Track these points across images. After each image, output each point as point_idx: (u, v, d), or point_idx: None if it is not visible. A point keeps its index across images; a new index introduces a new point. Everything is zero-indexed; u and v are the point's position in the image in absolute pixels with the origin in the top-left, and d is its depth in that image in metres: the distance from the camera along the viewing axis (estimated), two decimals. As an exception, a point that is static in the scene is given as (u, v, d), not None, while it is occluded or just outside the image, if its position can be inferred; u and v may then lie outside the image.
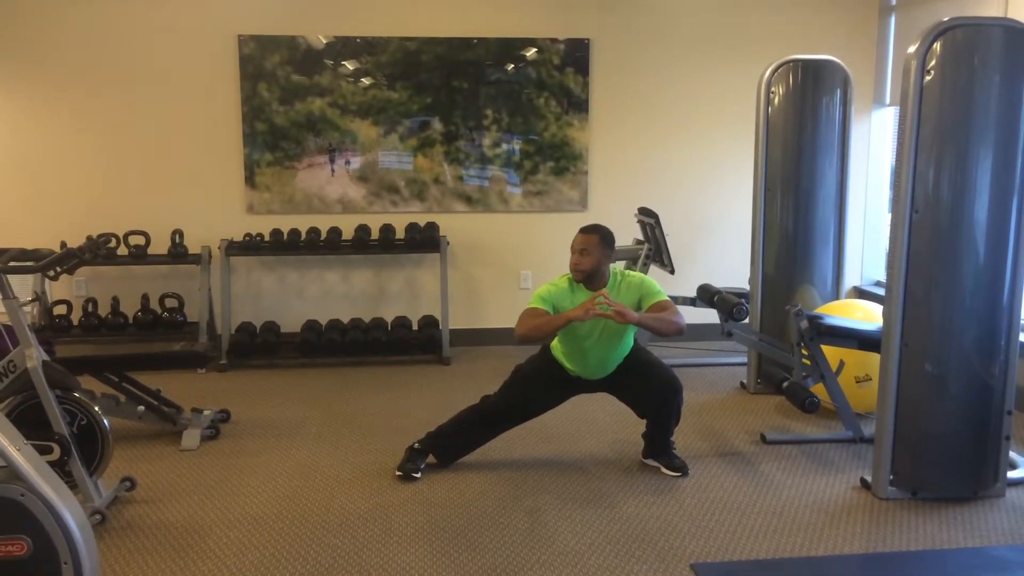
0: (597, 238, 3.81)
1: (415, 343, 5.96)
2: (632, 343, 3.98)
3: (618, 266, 4.30)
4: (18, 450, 2.50)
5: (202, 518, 3.49)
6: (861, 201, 6.32)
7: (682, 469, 3.92)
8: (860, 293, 6.28)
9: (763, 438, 4.34)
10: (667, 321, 3.72)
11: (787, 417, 4.72)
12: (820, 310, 4.62)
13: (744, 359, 5.42)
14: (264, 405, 5.01)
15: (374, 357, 5.94)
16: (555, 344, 3.98)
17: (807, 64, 5.04)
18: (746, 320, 4.66)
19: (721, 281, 5.56)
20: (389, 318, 6.15)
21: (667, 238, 5.64)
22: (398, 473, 3.87)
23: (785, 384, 4.22)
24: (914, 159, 3.41)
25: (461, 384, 5.44)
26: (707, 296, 4.71)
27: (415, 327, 6.10)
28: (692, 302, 5.53)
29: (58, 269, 3.55)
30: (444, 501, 3.64)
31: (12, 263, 3.43)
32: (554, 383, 4.01)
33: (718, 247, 6.43)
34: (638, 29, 6.23)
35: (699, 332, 6.17)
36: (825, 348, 4.24)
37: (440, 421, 4.06)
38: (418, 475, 3.87)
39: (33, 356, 3.40)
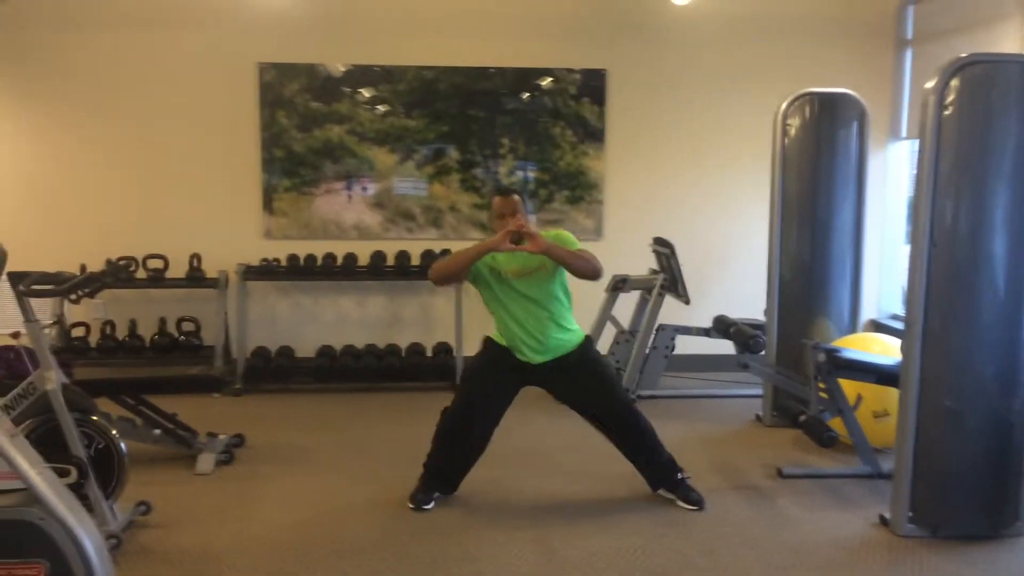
0: (518, 197, 3.84)
1: (429, 369, 5.96)
2: (579, 335, 3.92)
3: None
4: (38, 473, 2.51)
5: (216, 543, 3.49)
6: (878, 233, 6.31)
7: (699, 503, 3.88)
8: (877, 326, 6.25)
9: (779, 472, 4.31)
10: (581, 257, 3.74)
11: (804, 451, 4.68)
12: (837, 343, 4.60)
13: (759, 391, 5.39)
14: (278, 430, 5.01)
15: (388, 383, 5.94)
16: (496, 322, 3.91)
17: (823, 97, 5.06)
18: (762, 352, 4.64)
19: (736, 312, 5.55)
20: (403, 344, 6.16)
21: (682, 268, 5.64)
22: (410, 505, 3.85)
23: (802, 418, 4.20)
24: (932, 193, 3.41)
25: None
26: (723, 327, 4.70)
27: (429, 353, 6.11)
28: (707, 333, 5.54)
29: (80, 293, 3.58)
30: (455, 530, 3.63)
31: (35, 286, 3.46)
32: (501, 370, 3.90)
33: (733, 278, 6.42)
34: (655, 60, 6.28)
35: (714, 363, 6.18)
36: (842, 382, 4.22)
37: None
38: (429, 506, 3.86)
39: (52, 379, 3.42)
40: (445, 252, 6.11)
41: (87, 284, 3.60)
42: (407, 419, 5.28)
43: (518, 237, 3.63)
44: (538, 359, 3.86)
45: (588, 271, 3.77)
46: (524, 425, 5.12)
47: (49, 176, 6.00)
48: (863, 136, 5.10)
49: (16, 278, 3.41)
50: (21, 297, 3.42)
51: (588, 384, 3.93)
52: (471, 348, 6.16)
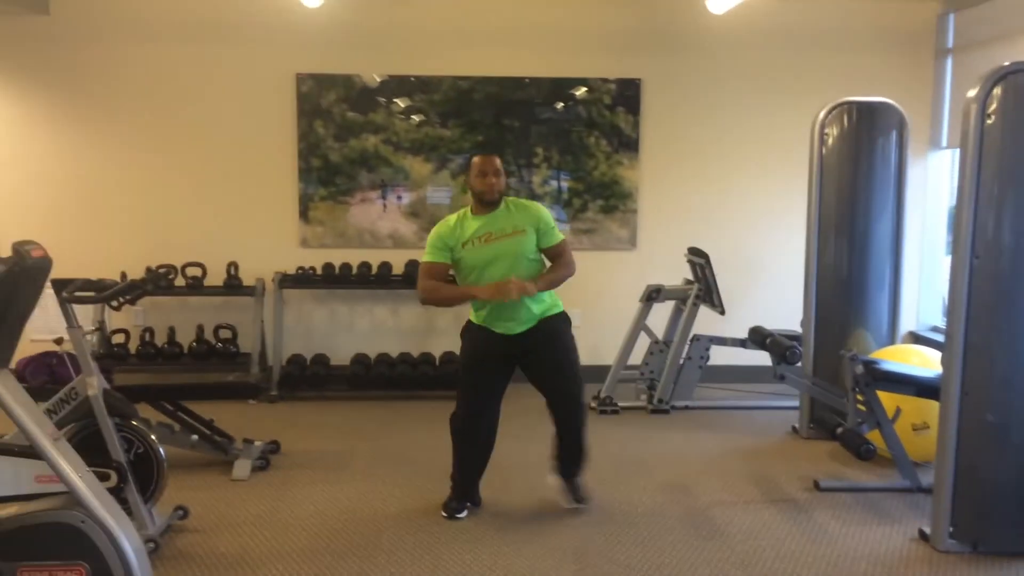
0: (500, 159, 3.81)
1: (462, 379, 5.96)
2: (559, 305, 3.89)
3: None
4: (80, 477, 2.55)
5: (252, 549, 3.52)
6: (917, 244, 6.22)
7: (582, 501, 3.92)
8: (916, 338, 6.15)
9: (816, 485, 4.25)
10: (563, 277, 3.82)
11: (841, 464, 4.62)
12: (875, 355, 4.54)
13: (796, 403, 5.33)
14: (313, 437, 5.05)
15: (422, 391, 5.96)
16: (474, 303, 3.86)
17: (862, 106, 5.00)
18: (799, 363, 4.59)
19: (772, 323, 5.49)
20: (437, 353, 6.19)
21: (717, 278, 5.61)
22: (443, 514, 3.86)
23: (839, 430, 4.15)
24: (975, 204, 3.35)
25: (506, 421, 5.36)
26: (759, 338, 4.66)
27: (462, 363, 6.11)
28: (743, 344, 5.49)
29: (121, 300, 3.64)
30: (489, 540, 3.63)
31: (77, 293, 3.52)
32: (489, 357, 3.84)
33: (769, 289, 6.36)
34: (690, 70, 6.26)
35: (750, 374, 6.12)
36: (881, 394, 4.16)
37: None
38: (462, 515, 3.86)
39: (94, 384, 3.48)
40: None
41: (128, 291, 3.66)
42: (441, 427, 5.24)
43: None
44: (516, 329, 3.79)
45: (566, 279, 3.86)
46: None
47: (92, 185, 6.12)
48: (903, 145, 5.03)
49: (60, 285, 3.48)
50: (64, 304, 3.49)
51: (554, 357, 3.87)
52: (504, 357, 6.18)
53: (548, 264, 3.90)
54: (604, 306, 6.36)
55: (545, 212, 3.86)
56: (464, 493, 3.94)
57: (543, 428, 5.21)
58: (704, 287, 5.65)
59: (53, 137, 6.09)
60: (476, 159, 3.79)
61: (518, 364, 3.90)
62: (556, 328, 3.88)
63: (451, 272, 3.88)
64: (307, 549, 3.52)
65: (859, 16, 6.22)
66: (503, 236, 3.74)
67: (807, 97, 5.88)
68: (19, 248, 2.49)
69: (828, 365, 4.91)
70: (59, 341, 3.91)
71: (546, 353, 3.86)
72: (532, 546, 3.56)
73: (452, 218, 3.83)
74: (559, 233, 3.86)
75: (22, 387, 2.64)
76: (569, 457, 4.00)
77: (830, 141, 5.00)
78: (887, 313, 5.08)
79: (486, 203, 3.77)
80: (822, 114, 5.00)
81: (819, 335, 5.03)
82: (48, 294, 3.08)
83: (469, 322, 3.94)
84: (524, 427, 5.22)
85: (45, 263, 2.62)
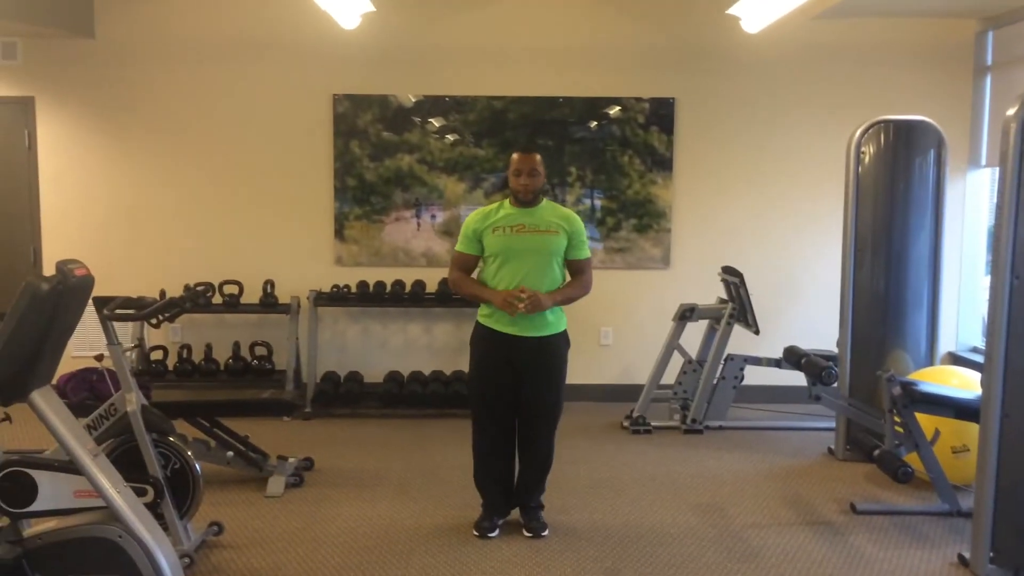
0: (540, 157, 3.79)
1: (495, 397, 5.96)
2: (564, 322, 3.86)
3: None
4: (119, 492, 2.60)
5: (285, 567, 3.54)
6: (956, 264, 6.13)
7: (536, 531, 3.85)
8: (955, 359, 6.05)
9: (853, 508, 4.19)
10: (578, 296, 3.84)
11: (878, 486, 4.55)
12: (914, 376, 4.47)
13: (831, 424, 5.26)
14: (347, 454, 5.08)
15: (454, 409, 5.97)
16: (481, 309, 3.87)
17: (899, 124, 4.96)
18: (835, 384, 4.54)
19: (806, 343, 5.43)
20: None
21: (751, 298, 5.56)
22: (475, 533, 3.85)
23: (877, 452, 4.09)
24: (1014, 223, 3.30)
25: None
26: (794, 359, 4.61)
27: (495, 381, 6.11)
28: (777, 364, 5.45)
29: (160, 317, 3.70)
30: (522, 559, 3.62)
31: (118, 311, 3.59)
32: (496, 366, 3.80)
33: (803, 308, 6.30)
34: (725, 88, 6.25)
35: (785, 395, 6.06)
36: (919, 416, 4.10)
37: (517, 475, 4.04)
38: (494, 533, 3.85)
39: (133, 400, 3.54)
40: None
41: (167, 309, 3.72)
42: (469, 446, 5.28)
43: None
44: (524, 333, 3.74)
45: (582, 297, 3.88)
46: (595, 454, 5.11)
47: (133, 204, 6.24)
48: (941, 164, 4.98)
49: (101, 303, 3.55)
50: (105, 321, 3.55)
51: (547, 377, 3.83)
52: (537, 376, 6.17)
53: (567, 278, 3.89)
54: (637, 325, 6.35)
55: (581, 225, 3.87)
56: (493, 511, 3.92)
57: (583, 446, 5.21)
58: (738, 306, 5.62)
59: (95, 157, 6.23)
60: (515, 156, 3.80)
61: (523, 374, 3.82)
62: (558, 348, 3.87)
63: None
64: (340, 566, 3.54)
65: (896, 33, 6.17)
66: (536, 231, 3.74)
67: (843, 115, 5.85)
68: (63, 267, 2.55)
69: (864, 386, 4.86)
70: (100, 358, 3.99)
71: (540, 370, 3.83)
72: (564, 567, 3.55)
73: (491, 206, 3.86)
74: (588, 250, 3.87)
75: (63, 403, 2.70)
76: (531, 482, 3.94)
77: (866, 160, 4.96)
78: (925, 333, 5.00)
79: (522, 202, 3.78)
80: (858, 132, 4.96)
81: (855, 356, 4.97)
82: (89, 311, 3.15)
83: (477, 323, 3.90)
84: (565, 447, 5.21)
85: (88, 281, 2.68)
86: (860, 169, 4.96)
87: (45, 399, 2.62)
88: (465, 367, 6.14)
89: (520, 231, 3.73)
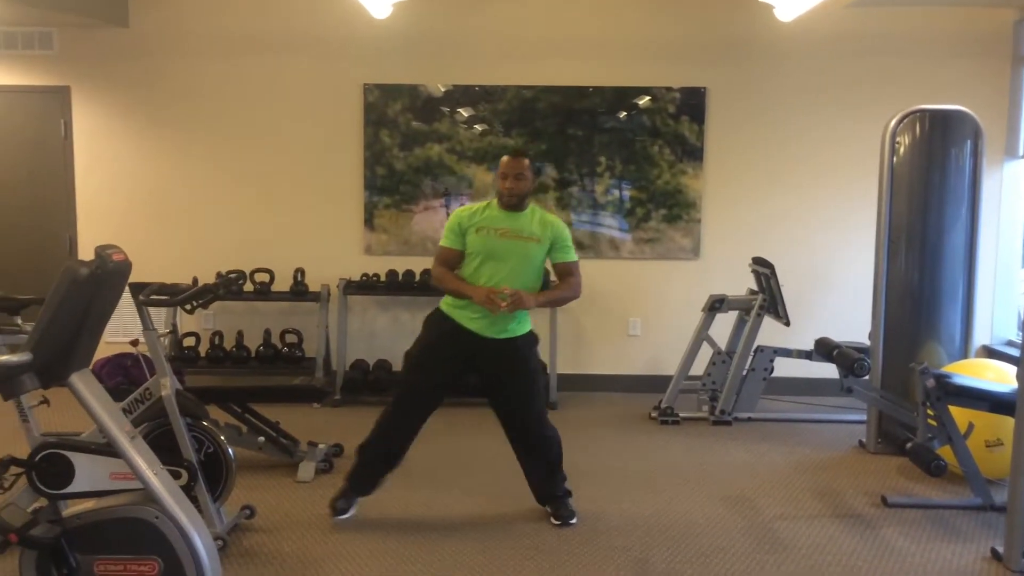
0: (528, 162, 3.77)
1: (523, 386, 5.97)
2: (528, 323, 3.84)
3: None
4: (155, 474, 2.63)
5: (316, 550, 3.58)
6: (992, 256, 6.03)
7: (564, 519, 3.84)
8: (990, 352, 5.96)
9: (884, 501, 4.15)
10: (564, 298, 3.91)
11: (910, 479, 4.51)
12: (948, 369, 4.42)
13: (862, 417, 5.22)
14: (375, 442, 5.10)
15: (481, 399, 5.95)
16: (446, 298, 3.86)
17: (935, 114, 4.89)
18: (867, 376, 4.50)
19: (838, 335, 5.38)
20: (498, 361, 6.20)
21: (782, 289, 5.52)
22: (330, 511, 3.83)
23: (909, 445, 4.05)
24: (1054, 214, 3.25)
25: (566, 430, 5.35)
26: (826, 350, 4.57)
27: (523, 370, 6.12)
28: (808, 355, 5.40)
29: (194, 303, 3.74)
30: (550, 548, 3.63)
31: (153, 296, 3.64)
32: (448, 348, 3.80)
33: (835, 300, 6.24)
34: (757, 77, 6.19)
35: (814, 387, 6.02)
36: (953, 409, 4.05)
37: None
38: (348, 514, 3.85)
39: (167, 385, 3.58)
40: (541, 269, 6.16)
41: (201, 295, 3.77)
42: (500, 434, 5.29)
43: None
44: (487, 333, 3.75)
45: (568, 302, 3.94)
46: (622, 445, 5.11)
47: (166, 193, 6.31)
48: (977, 154, 4.90)
49: (136, 288, 3.60)
50: (141, 307, 3.60)
51: (514, 377, 3.84)
52: (564, 366, 6.20)
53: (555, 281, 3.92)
54: (666, 316, 6.32)
55: (565, 230, 3.86)
56: (359, 491, 3.91)
57: (611, 436, 5.22)
58: (769, 297, 5.58)
59: (130, 145, 6.30)
60: (504, 159, 3.80)
61: (474, 375, 3.85)
62: (526, 348, 3.86)
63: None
64: (370, 551, 3.57)
65: (932, 23, 6.08)
66: (518, 237, 3.75)
67: (877, 105, 5.78)
68: (101, 252, 2.59)
69: (897, 379, 4.82)
70: (135, 343, 4.05)
71: (515, 375, 3.84)
72: (593, 556, 3.55)
73: (478, 205, 3.86)
74: (574, 254, 3.85)
75: (101, 386, 2.74)
76: (546, 474, 3.95)
77: (902, 150, 4.90)
78: (960, 326, 4.94)
79: (507, 205, 3.77)
80: (893, 122, 4.90)
81: (888, 348, 4.93)
82: (123, 297, 3.20)
83: (437, 309, 3.89)
84: (593, 438, 5.24)
85: (125, 267, 2.72)
86: (895, 159, 4.90)
87: (84, 382, 2.66)
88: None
89: (504, 235, 3.73)
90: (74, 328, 2.56)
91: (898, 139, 4.90)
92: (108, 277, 2.60)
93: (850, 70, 6.15)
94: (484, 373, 3.87)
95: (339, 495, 3.92)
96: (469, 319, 3.76)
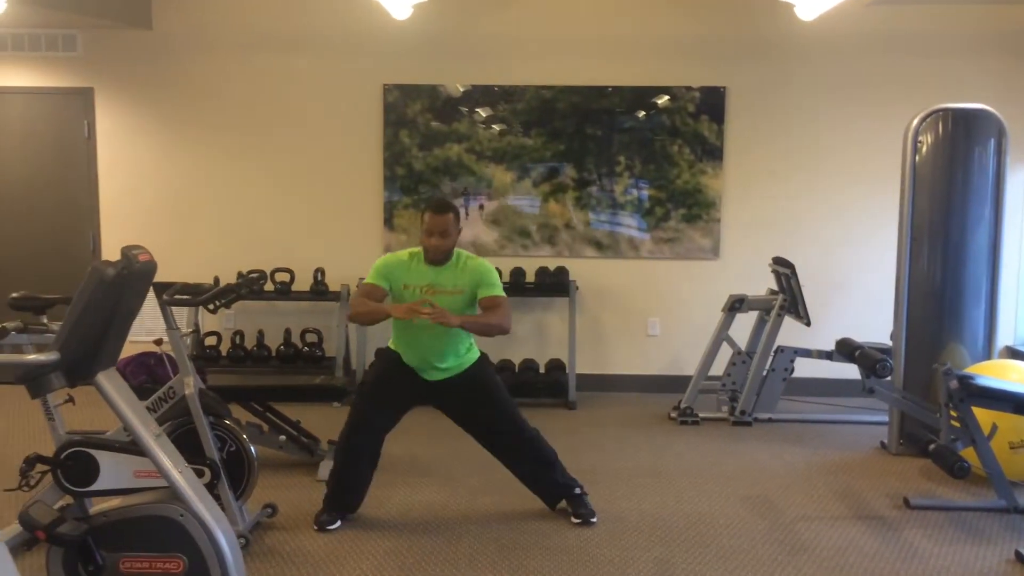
0: (453, 216, 3.75)
1: (542, 386, 5.99)
2: (475, 354, 3.90)
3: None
4: (180, 472, 2.66)
5: (337, 548, 3.60)
6: (1015, 256, 5.99)
7: (584, 518, 3.84)
8: (1013, 353, 5.92)
9: (906, 502, 4.13)
10: (490, 325, 3.73)
11: (932, 481, 4.48)
12: (971, 370, 4.38)
13: (883, 418, 5.19)
14: (394, 441, 5.06)
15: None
16: (393, 333, 3.91)
17: (958, 113, 4.85)
18: (889, 377, 4.47)
19: (859, 336, 5.33)
20: (516, 360, 6.22)
21: (803, 289, 5.50)
22: (315, 527, 3.79)
23: (932, 446, 4.02)
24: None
25: (585, 429, 5.43)
26: (847, 350, 4.55)
27: (542, 370, 6.14)
28: (828, 356, 5.37)
29: (217, 303, 3.77)
30: (570, 547, 3.63)
31: (177, 296, 3.67)
32: (394, 379, 3.88)
33: (856, 300, 6.21)
34: (777, 77, 6.17)
35: (835, 388, 5.99)
36: (976, 410, 4.02)
37: (565, 465, 4.04)
38: (334, 526, 3.80)
39: (191, 384, 3.61)
40: (560, 269, 6.17)
41: (223, 295, 3.80)
42: (520, 434, 5.31)
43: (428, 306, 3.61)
44: (431, 377, 3.85)
45: (496, 334, 3.80)
46: (642, 445, 5.10)
47: (188, 193, 6.37)
48: (1001, 154, 4.86)
49: (160, 288, 3.63)
50: (164, 306, 3.64)
51: (475, 403, 3.89)
52: (584, 365, 6.20)
53: None
54: (685, 316, 6.31)
55: (490, 272, 3.83)
56: (336, 503, 3.88)
57: (630, 437, 5.23)
58: (789, 297, 5.55)
59: (152, 146, 6.36)
60: (427, 215, 3.76)
61: (431, 405, 3.94)
62: (478, 379, 3.90)
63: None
64: (390, 550, 3.59)
65: (954, 20, 6.03)
66: (443, 291, 3.76)
67: (899, 104, 5.75)
68: (127, 252, 2.61)
69: (919, 380, 4.78)
70: (159, 342, 4.08)
71: (476, 408, 3.90)
72: (613, 556, 3.55)
73: (405, 255, 3.85)
74: (499, 290, 3.80)
75: (127, 385, 2.77)
76: (546, 477, 3.96)
77: (924, 149, 4.86)
78: (983, 327, 4.89)
79: (432, 261, 3.77)
80: (916, 121, 4.87)
81: (910, 348, 4.89)
82: (147, 297, 3.22)
83: (388, 349, 3.96)
84: (612, 438, 5.25)
85: (150, 267, 2.74)
86: (917, 159, 4.86)
87: (110, 380, 2.69)
88: (512, 356, 6.23)
89: (430, 291, 3.74)
90: (101, 327, 2.59)
91: (920, 138, 4.86)
92: (134, 277, 2.63)
93: (871, 69, 6.11)
94: (441, 406, 3.96)
95: (321, 512, 3.88)
96: (411, 358, 3.86)
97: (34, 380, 2.52)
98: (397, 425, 3.99)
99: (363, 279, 6.13)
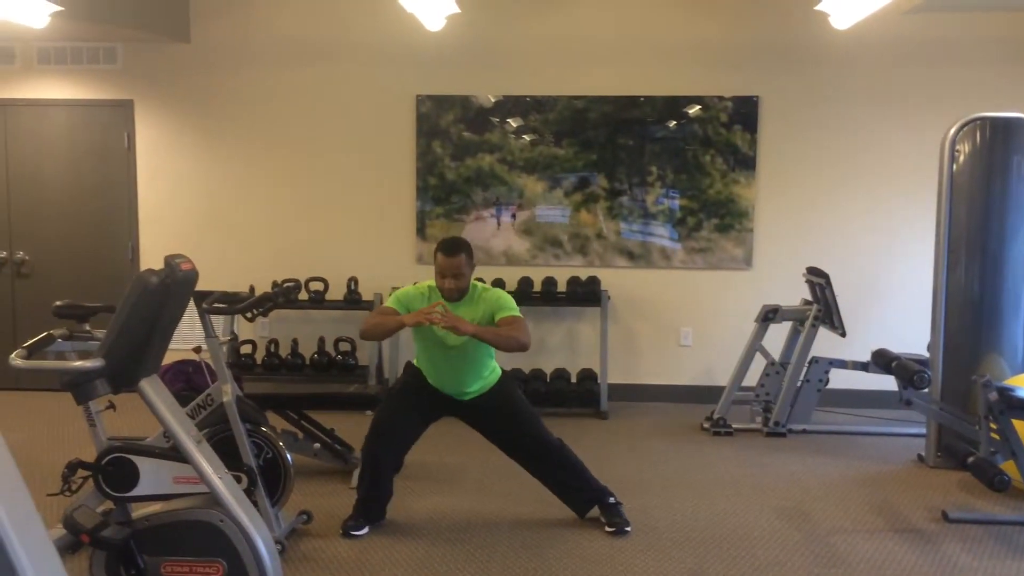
0: (465, 257, 3.77)
1: (573, 396, 5.99)
2: (497, 373, 3.94)
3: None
4: (219, 478, 2.69)
5: (370, 556, 3.62)
6: (1055, 266, 5.89)
7: (617, 527, 3.83)
8: (1053, 365, 5.82)
9: (945, 516, 4.07)
10: (505, 336, 3.69)
11: (971, 495, 4.41)
12: (1011, 382, 4.32)
13: (920, 430, 5.13)
14: (427, 450, 5.12)
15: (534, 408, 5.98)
16: (417, 353, 3.96)
17: (996, 122, 4.80)
18: (927, 389, 4.42)
19: (895, 347, 5.29)
20: (548, 369, 6.22)
21: (837, 299, 5.45)
22: (341, 532, 3.81)
23: (971, 459, 3.96)
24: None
25: (617, 439, 5.41)
26: (884, 361, 4.50)
27: (573, 380, 6.13)
28: (864, 367, 5.33)
29: (255, 311, 3.82)
30: (603, 558, 3.62)
31: (216, 304, 3.72)
32: (419, 391, 3.94)
33: (890, 311, 6.15)
34: (811, 86, 6.14)
35: (870, 399, 5.93)
36: (1016, 423, 3.96)
37: (597, 475, 4.06)
38: (361, 532, 3.82)
39: (228, 391, 3.66)
40: (591, 279, 6.17)
41: (261, 303, 3.85)
42: (552, 444, 5.31)
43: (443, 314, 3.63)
44: (458, 394, 3.92)
45: (513, 348, 3.75)
46: (674, 455, 5.08)
47: (224, 202, 6.46)
48: (1040, 163, 4.80)
49: (199, 296, 3.69)
50: (204, 314, 3.69)
51: (499, 419, 3.94)
52: (615, 375, 6.19)
53: None
54: (717, 326, 6.29)
55: (503, 298, 3.86)
56: (363, 509, 3.90)
57: (662, 447, 5.21)
58: (824, 308, 5.51)
59: (189, 157, 6.46)
60: (439, 256, 3.78)
61: (462, 420, 4.01)
62: (501, 396, 3.96)
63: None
64: (423, 558, 3.60)
65: (991, 28, 5.97)
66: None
67: (936, 113, 5.70)
68: (170, 261, 2.66)
69: (957, 391, 4.72)
70: (198, 350, 4.13)
71: (501, 423, 3.96)
72: (647, 566, 3.54)
73: (424, 288, 3.89)
74: (517, 312, 3.82)
75: (169, 391, 2.81)
76: (574, 485, 3.99)
77: (961, 158, 4.82)
78: (1022, 338, 4.83)
79: (448, 299, 3.80)
80: (953, 130, 4.82)
81: (948, 360, 4.83)
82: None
83: (414, 364, 4.02)
84: (644, 448, 5.23)
85: (192, 276, 2.79)
86: (955, 168, 4.81)
87: (153, 387, 2.74)
88: (544, 366, 6.24)
89: (442, 328, 3.73)
90: (145, 334, 2.64)
91: (958, 147, 4.81)
92: (177, 285, 2.68)
93: (907, 77, 6.07)
94: (465, 419, 4.03)
95: (348, 518, 3.91)
96: (434, 380, 3.93)
97: (79, 386, 2.58)
98: (424, 434, 4.02)
99: (396, 287, 6.20)
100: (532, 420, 3.97)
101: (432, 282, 3.89)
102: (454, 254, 3.76)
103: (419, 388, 3.97)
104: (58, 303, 3.75)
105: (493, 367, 3.98)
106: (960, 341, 4.84)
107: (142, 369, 2.71)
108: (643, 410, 6.15)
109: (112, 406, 3.37)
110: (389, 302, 3.88)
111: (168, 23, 6.21)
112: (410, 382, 4.01)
